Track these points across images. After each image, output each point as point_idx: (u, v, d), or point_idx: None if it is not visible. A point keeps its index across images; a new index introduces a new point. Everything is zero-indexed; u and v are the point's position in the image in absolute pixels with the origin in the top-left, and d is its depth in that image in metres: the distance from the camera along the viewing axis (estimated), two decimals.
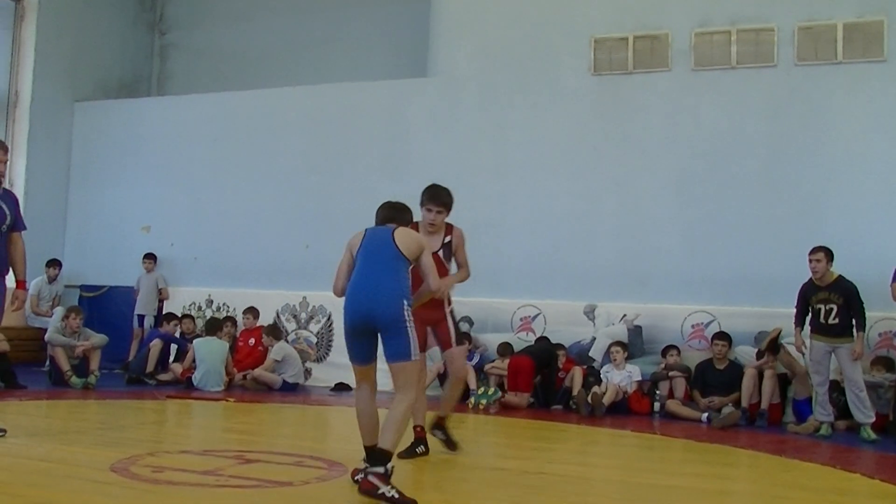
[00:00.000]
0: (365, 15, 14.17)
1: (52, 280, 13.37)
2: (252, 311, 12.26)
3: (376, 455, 5.32)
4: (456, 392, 7.19)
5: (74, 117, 14.64)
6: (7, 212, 6.83)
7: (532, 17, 12.14)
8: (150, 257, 13.33)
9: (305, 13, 14.68)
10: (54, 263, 13.43)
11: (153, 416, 9.01)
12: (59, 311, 12.01)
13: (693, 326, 10.74)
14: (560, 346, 10.98)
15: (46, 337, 11.37)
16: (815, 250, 9.12)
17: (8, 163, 6.85)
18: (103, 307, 13.38)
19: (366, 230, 5.87)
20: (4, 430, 6.85)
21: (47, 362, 11.54)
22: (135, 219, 13.94)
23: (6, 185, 6.89)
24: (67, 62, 14.46)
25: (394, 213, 5.93)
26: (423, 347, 6.67)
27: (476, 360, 11.10)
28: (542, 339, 11.11)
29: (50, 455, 6.26)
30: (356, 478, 5.52)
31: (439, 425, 7.12)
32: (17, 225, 6.95)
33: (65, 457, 6.31)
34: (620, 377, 10.41)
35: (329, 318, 12.29)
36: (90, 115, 14.59)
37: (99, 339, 11.15)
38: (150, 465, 6.00)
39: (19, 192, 13.79)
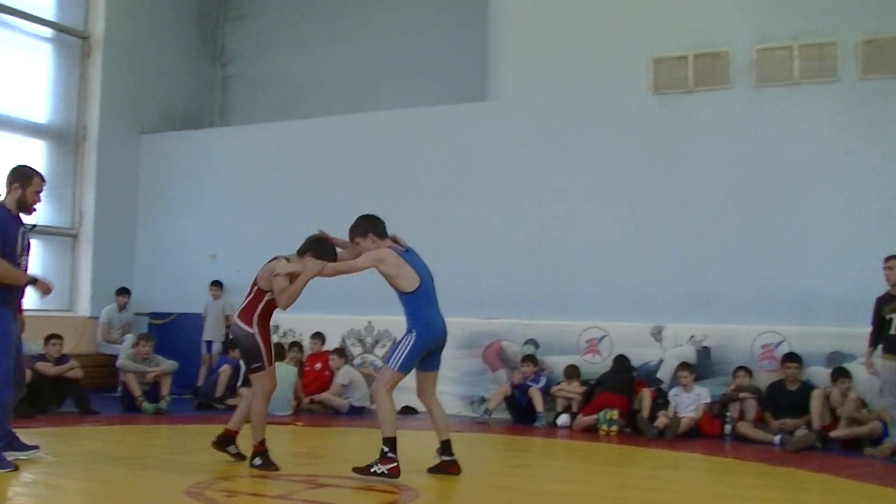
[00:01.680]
0: (423, 41, 14.28)
1: (121, 308, 13.61)
2: (318, 337, 12.35)
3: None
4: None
5: (140, 149, 14.92)
6: (31, 243, 6.92)
7: (590, 38, 12.12)
8: (217, 284, 13.50)
9: (364, 41, 14.83)
10: (124, 292, 13.67)
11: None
12: (129, 339, 12.22)
13: (763, 347, 10.56)
14: (633, 368, 10.86)
15: (118, 363, 11.56)
16: (889, 258, 8.94)
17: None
18: (172, 334, 13.57)
19: (403, 252, 6.97)
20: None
21: (119, 388, 11.72)
22: (201, 247, 14.13)
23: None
24: (133, 96, 14.75)
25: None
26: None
27: (542, 383, 11.02)
28: (621, 359, 10.91)
29: (126, 479, 6.35)
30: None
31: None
32: None
33: (140, 481, 6.40)
34: (689, 399, 10.27)
35: (394, 343, 12.28)
36: (156, 147, 14.86)
37: (169, 365, 11.31)
38: (223, 490, 6.07)
39: (89, 223, 14.12)
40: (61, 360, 10.89)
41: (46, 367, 10.67)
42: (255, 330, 6.91)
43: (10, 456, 6.68)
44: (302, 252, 6.93)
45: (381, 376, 6.47)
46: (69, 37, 14.27)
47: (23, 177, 6.79)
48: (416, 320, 6.58)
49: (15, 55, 13.57)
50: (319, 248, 7.00)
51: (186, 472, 6.59)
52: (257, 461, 6.86)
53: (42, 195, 6.90)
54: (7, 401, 6.61)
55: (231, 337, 12.29)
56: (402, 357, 6.46)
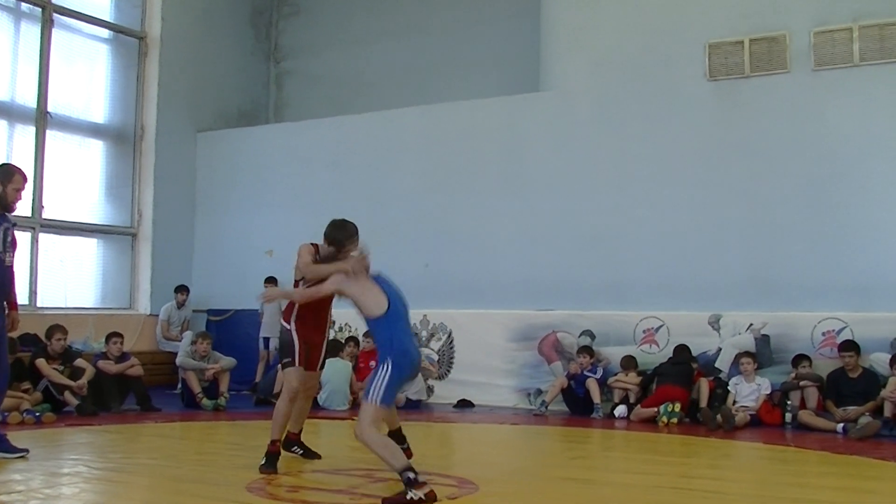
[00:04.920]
0: (476, 33, 14.22)
1: (180, 305, 13.79)
2: (352, 341, 12.20)
3: None
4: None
5: (197, 147, 15.08)
6: (16, 240, 7.07)
7: (644, 25, 11.98)
8: (271, 281, 13.55)
9: (417, 35, 14.82)
10: (182, 289, 13.84)
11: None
12: (188, 336, 12.37)
13: (824, 334, 10.35)
14: (693, 357, 10.72)
15: (177, 361, 11.70)
16: None
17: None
18: (230, 331, 13.71)
19: (376, 276, 6.59)
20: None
21: (179, 385, 11.86)
22: (259, 243, 14.23)
23: None
24: (189, 94, 14.91)
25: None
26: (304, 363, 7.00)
27: (600, 373, 10.94)
28: (681, 349, 10.77)
29: (188, 476, 6.42)
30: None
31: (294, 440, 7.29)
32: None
33: (202, 477, 6.47)
34: (749, 389, 10.12)
35: (450, 336, 12.30)
36: (212, 145, 15.02)
37: (227, 361, 11.43)
38: (285, 485, 6.11)
39: (147, 221, 14.32)
40: (122, 357, 11.04)
41: (108, 366, 10.82)
42: (292, 327, 6.95)
43: None
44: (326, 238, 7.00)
45: (362, 415, 5.87)
46: (126, 37, 14.47)
47: (4, 175, 7.01)
48: (390, 348, 6.01)
49: (74, 57, 13.79)
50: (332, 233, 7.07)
51: (247, 469, 6.64)
52: (262, 462, 6.65)
53: (23, 193, 7.07)
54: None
55: None
56: (381, 390, 5.86)
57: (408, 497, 5.48)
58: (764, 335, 10.65)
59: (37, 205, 12.90)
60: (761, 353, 10.54)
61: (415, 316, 12.40)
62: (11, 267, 6.97)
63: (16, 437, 8.38)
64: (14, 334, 7.60)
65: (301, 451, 7.23)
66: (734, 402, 10.09)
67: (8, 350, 7.13)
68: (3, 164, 7.26)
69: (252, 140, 14.79)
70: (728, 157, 11.37)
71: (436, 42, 14.57)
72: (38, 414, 9.54)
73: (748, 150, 11.26)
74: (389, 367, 5.91)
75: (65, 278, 13.52)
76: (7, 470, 6.74)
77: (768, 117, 11.20)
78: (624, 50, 12.06)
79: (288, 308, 7.05)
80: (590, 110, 12.20)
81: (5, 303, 7.03)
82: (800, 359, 10.14)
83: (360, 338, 12.47)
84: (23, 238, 12.60)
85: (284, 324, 6.99)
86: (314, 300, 6.73)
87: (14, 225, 7.09)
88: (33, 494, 5.85)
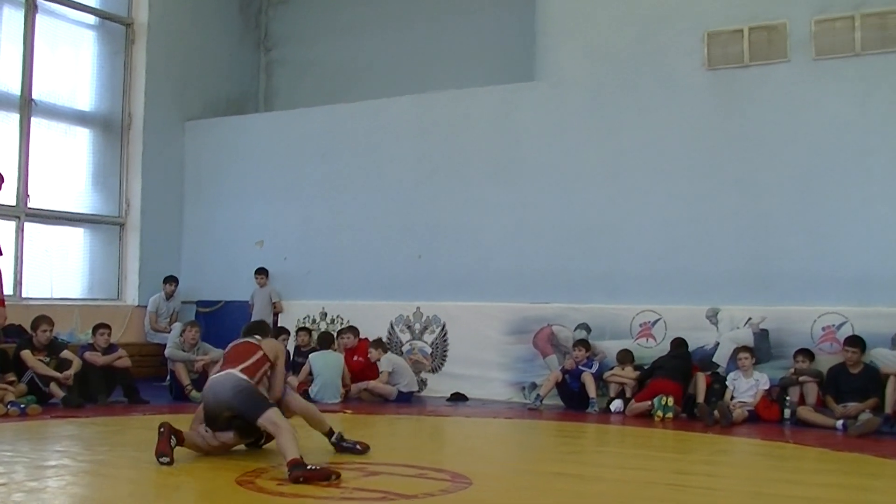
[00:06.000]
0: (469, 21, 14.05)
1: (169, 297, 13.61)
2: (351, 331, 12.04)
3: None
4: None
5: (185, 136, 14.89)
6: None
7: (640, 14, 11.81)
8: (262, 272, 13.43)
9: (408, 23, 14.64)
10: (171, 280, 13.67)
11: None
12: (177, 327, 12.20)
13: (824, 329, 10.22)
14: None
15: (166, 353, 11.55)
16: None
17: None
18: (220, 322, 13.52)
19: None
20: None
21: (168, 377, 11.70)
22: (248, 234, 14.08)
23: None
24: (177, 83, 14.72)
25: None
26: None
27: (595, 367, 10.82)
28: (679, 343, 10.65)
29: (176, 469, 6.29)
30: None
31: None
32: None
33: (191, 470, 6.35)
34: (748, 385, 9.99)
35: (443, 329, 12.17)
36: (200, 134, 14.83)
37: (217, 353, 11.21)
38: (274, 479, 6.01)
39: (135, 211, 14.13)
40: (110, 349, 10.88)
41: (95, 357, 10.66)
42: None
43: None
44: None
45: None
46: (113, 24, 14.25)
47: None
48: None
49: (59, 43, 13.57)
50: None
51: (237, 462, 6.53)
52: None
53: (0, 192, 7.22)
54: None
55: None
56: None
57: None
58: (762, 329, 10.52)
59: (22, 194, 12.69)
60: (760, 348, 10.41)
61: (408, 308, 12.46)
62: None
63: (0, 430, 8.28)
64: None
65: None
66: (732, 398, 9.97)
67: None
68: None
69: (241, 129, 14.60)
70: (726, 147, 11.22)
71: (428, 30, 14.39)
72: (22, 406, 9.41)
73: (747, 140, 11.12)
74: None
75: (51, 268, 13.31)
76: None
77: (767, 107, 11.04)
78: (620, 39, 11.89)
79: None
80: (585, 100, 12.04)
81: None
82: (799, 353, 10.02)
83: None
84: (8, 227, 12.50)
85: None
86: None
87: None
88: (17, 487, 5.72)
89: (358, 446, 7.13)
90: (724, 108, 11.25)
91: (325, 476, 5.90)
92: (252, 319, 12.94)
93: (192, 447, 6.71)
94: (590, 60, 12.07)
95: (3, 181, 7.04)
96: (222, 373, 6.74)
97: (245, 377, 6.65)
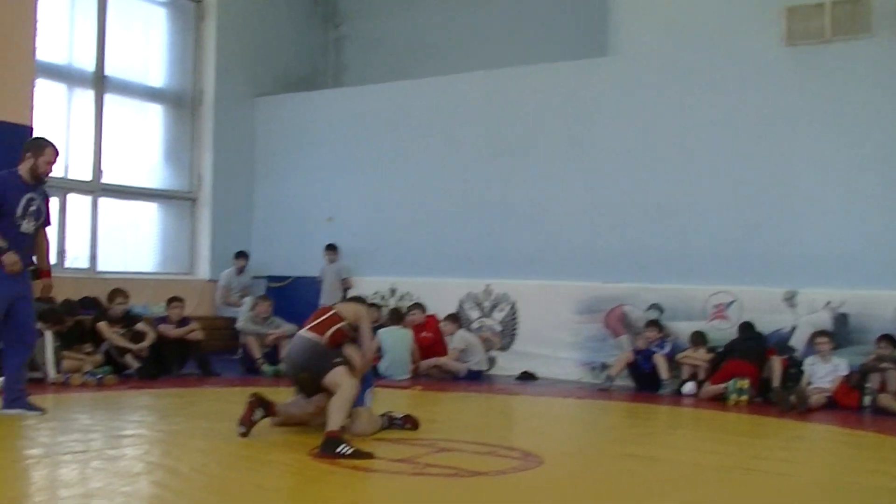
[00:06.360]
0: None
1: (240, 271, 13.72)
2: (418, 307, 12.05)
3: None
4: None
5: (255, 112, 14.96)
6: (42, 211, 7.32)
7: None
8: (331, 248, 13.46)
9: None
10: (242, 255, 13.78)
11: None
12: (248, 301, 12.32)
13: None
14: (761, 335, 10.37)
15: (238, 326, 11.67)
16: None
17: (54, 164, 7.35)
18: (289, 297, 13.60)
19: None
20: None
21: (240, 351, 11.81)
22: (318, 210, 14.11)
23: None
24: (247, 58, 14.77)
25: None
26: None
27: (668, 349, 10.65)
28: (747, 326, 10.46)
29: (250, 441, 6.32)
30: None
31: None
32: (47, 222, 7.47)
33: (265, 443, 6.36)
34: (825, 370, 9.73)
35: (513, 307, 12.08)
36: (270, 110, 14.88)
37: (289, 327, 11.32)
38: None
39: (207, 186, 14.27)
40: (183, 322, 11.06)
41: (169, 330, 10.84)
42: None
43: (13, 412, 7.08)
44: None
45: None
46: (184, 0, 14.34)
47: (36, 147, 7.25)
48: None
49: (132, 20, 13.69)
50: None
51: (310, 434, 6.53)
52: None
53: (53, 165, 7.31)
54: None
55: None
56: None
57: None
58: (842, 314, 10.25)
59: (96, 169, 12.88)
60: (838, 333, 10.14)
61: (477, 286, 12.40)
62: (33, 235, 7.24)
63: (77, 399, 8.48)
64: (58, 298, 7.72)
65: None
66: (809, 383, 9.72)
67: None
68: (37, 138, 7.49)
69: (311, 105, 14.62)
70: (805, 126, 10.92)
71: (499, 4, 14.20)
72: (99, 376, 9.60)
73: (827, 119, 10.80)
74: None
75: (125, 243, 13.51)
76: (69, 430, 6.76)
77: (850, 85, 10.69)
78: (696, 13, 11.62)
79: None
80: (659, 76, 11.80)
81: (34, 270, 7.35)
82: (882, 339, 9.71)
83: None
84: (83, 202, 12.72)
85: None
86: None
87: (44, 196, 7.36)
88: (96, 455, 5.82)
89: (407, 424, 7.09)
90: (804, 86, 10.93)
91: (361, 457, 5.82)
92: (322, 295, 13.07)
93: (287, 418, 6.70)
94: (664, 35, 11.82)
95: (57, 155, 7.23)
96: (294, 337, 6.78)
97: (313, 335, 6.58)
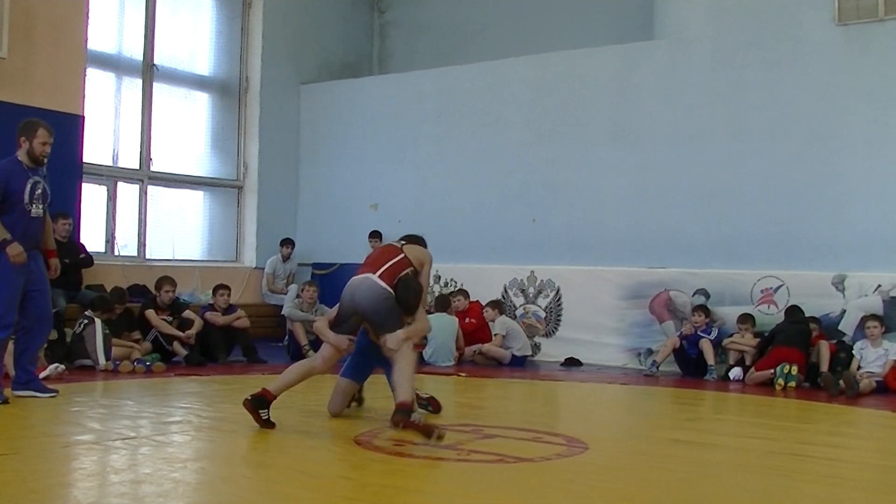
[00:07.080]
0: None
1: (285, 259, 13.82)
2: (462, 293, 12.06)
3: None
4: None
5: (301, 99, 15.02)
6: (48, 192, 7.35)
7: None
8: (375, 235, 13.48)
9: None
10: (287, 242, 13.86)
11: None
12: (293, 289, 12.40)
13: None
14: (814, 318, 10.18)
15: (285, 312, 11.74)
16: None
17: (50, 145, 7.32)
18: (334, 284, 13.51)
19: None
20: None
21: (286, 337, 11.90)
22: (363, 197, 14.15)
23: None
24: (292, 46, 14.83)
25: None
26: None
27: (714, 334, 10.54)
28: (794, 310, 10.31)
29: (295, 427, 6.37)
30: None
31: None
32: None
33: (310, 429, 6.42)
34: (876, 355, 9.57)
35: (558, 293, 12.03)
36: (315, 97, 14.92)
37: None
38: (392, 439, 6.02)
39: (253, 173, 14.37)
40: (229, 309, 11.15)
41: (215, 317, 10.93)
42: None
43: (25, 393, 7.23)
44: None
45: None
46: None
47: (28, 130, 7.22)
48: None
49: (179, 8, 13.81)
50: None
51: (355, 421, 6.58)
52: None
53: (49, 145, 7.27)
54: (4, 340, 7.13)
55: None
56: None
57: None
58: (893, 297, 10.07)
59: (145, 157, 13.03)
60: (889, 317, 9.95)
61: (522, 271, 12.35)
62: (43, 217, 7.31)
63: (126, 385, 8.61)
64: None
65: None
66: (858, 368, 9.57)
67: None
68: (27, 121, 7.42)
69: (356, 92, 14.65)
70: (856, 107, 10.71)
71: None
72: (147, 363, 9.71)
73: (879, 100, 10.59)
74: None
75: (172, 230, 13.66)
76: (119, 417, 6.86)
77: None
78: None
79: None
80: (707, 58, 11.64)
81: (43, 251, 7.43)
82: None
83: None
84: (131, 190, 12.88)
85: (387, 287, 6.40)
86: None
87: (45, 177, 7.35)
88: (145, 441, 5.90)
89: (430, 406, 7.06)
90: (856, 66, 10.72)
91: (428, 432, 5.74)
92: None
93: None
94: (712, 16, 11.65)
95: (50, 134, 7.25)
96: (361, 276, 6.41)
97: (385, 285, 6.29)
